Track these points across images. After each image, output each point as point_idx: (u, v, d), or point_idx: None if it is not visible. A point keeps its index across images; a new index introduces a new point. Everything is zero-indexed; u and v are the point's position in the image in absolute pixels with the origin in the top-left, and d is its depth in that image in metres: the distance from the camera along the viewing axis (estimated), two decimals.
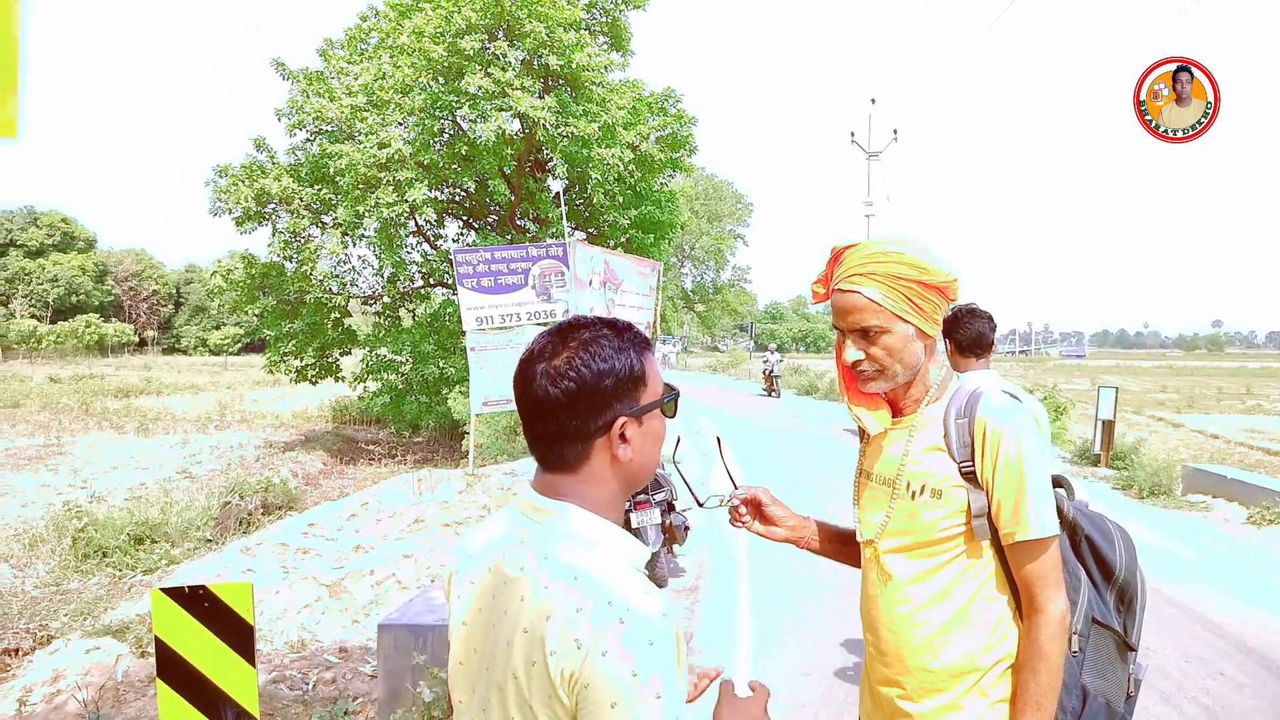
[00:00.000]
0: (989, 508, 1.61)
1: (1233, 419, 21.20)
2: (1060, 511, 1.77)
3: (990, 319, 3.44)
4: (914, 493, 1.67)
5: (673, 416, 1.26)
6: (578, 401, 1.13)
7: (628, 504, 6.13)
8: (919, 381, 1.72)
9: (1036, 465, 1.60)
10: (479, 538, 1.28)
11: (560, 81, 15.96)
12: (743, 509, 1.88)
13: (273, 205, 16.23)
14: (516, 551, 1.16)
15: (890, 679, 1.72)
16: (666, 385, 1.25)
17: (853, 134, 26.40)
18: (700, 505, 1.93)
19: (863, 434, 1.90)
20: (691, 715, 1.14)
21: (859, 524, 1.81)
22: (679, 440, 2.00)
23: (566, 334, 1.18)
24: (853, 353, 1.68)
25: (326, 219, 16.48)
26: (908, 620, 1.68)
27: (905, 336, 1.64)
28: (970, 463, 1.62)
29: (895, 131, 26.21)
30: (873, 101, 26.27)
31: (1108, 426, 12.02)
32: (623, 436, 1.16)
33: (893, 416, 1.77)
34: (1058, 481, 1.87)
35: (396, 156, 14.36)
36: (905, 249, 1.64)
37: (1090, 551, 1.78)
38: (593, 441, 1.16)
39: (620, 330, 1.20)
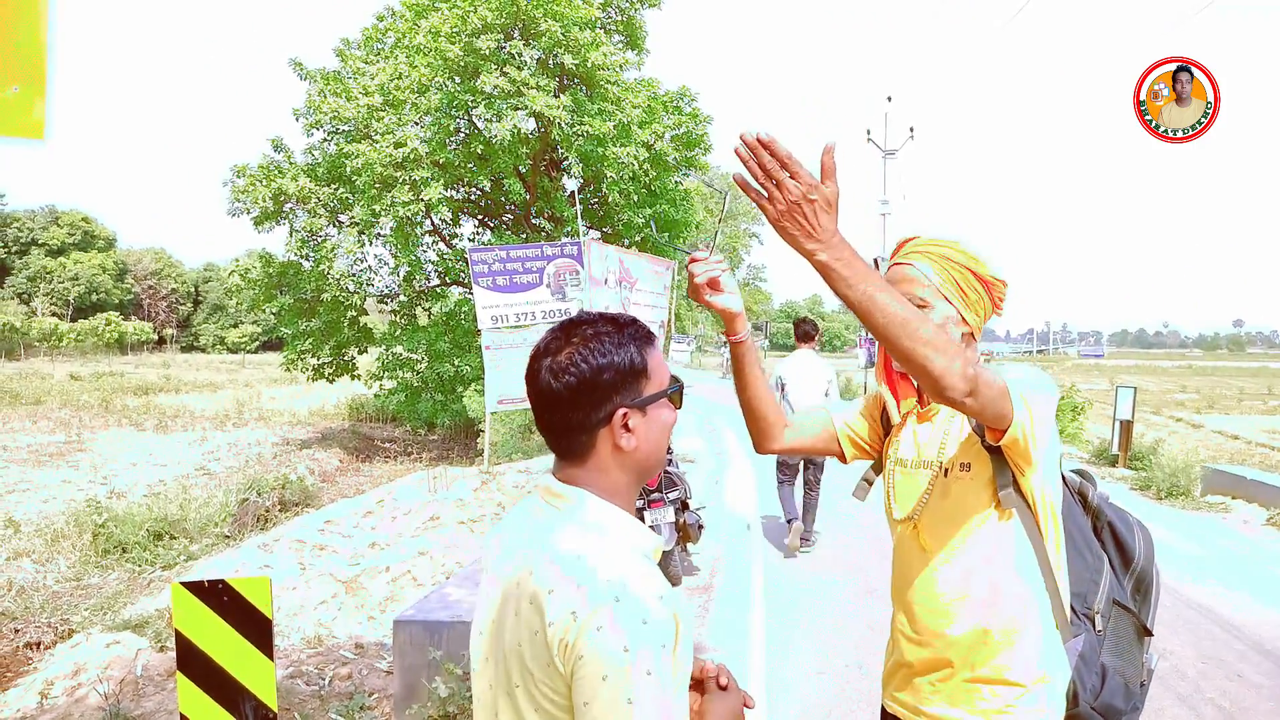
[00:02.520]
0: (1014, 480, 1.65)
1: (1254, 420, 21.00)
2: (1085, 498, 1.88)
3: (814, 322, 7.22)
4: (947, 469, 1.72)
5: (679, 407, 1.32)
6: (578, 395, 1.20)
7: (641, 502, 6.14)
8: None
9: (1026, 379, 1.59)
10: (508, 521, 1.36)
11: (575, 80, 15.98)
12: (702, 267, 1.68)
13: (290, 205, 16.34)
14: (533, 531, 1.24)
15: (924, 658, 1.75)
16: (673, 377, 1.30)
17: (869, 132, 26.32)
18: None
19: (887, 424, 1.95)
20: None
21: (891, 508, 1.84)
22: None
23: (570, 330, 1.24)
24: None
25: (343, 218, 16.58)
26: (941, 595, 1.72)
27: (945, 316, 1.72)
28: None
29: (911, 130, 26.12)
30: (889, 100, 26.20)
31: (1126, 427, 11.93)
32: (626, 427, 1.22)
33: (923, 404, 1.83)
34: (1080, 474, 1.93)
35: (413, 156, 14.42)
36: (960, 241, 1.75)
37: (1111, 538, 1.84)
38: (596, 432, 1.22)
39: (621, 325, 1.25)
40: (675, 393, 1.30)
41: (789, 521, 7.21)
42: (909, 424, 1.85)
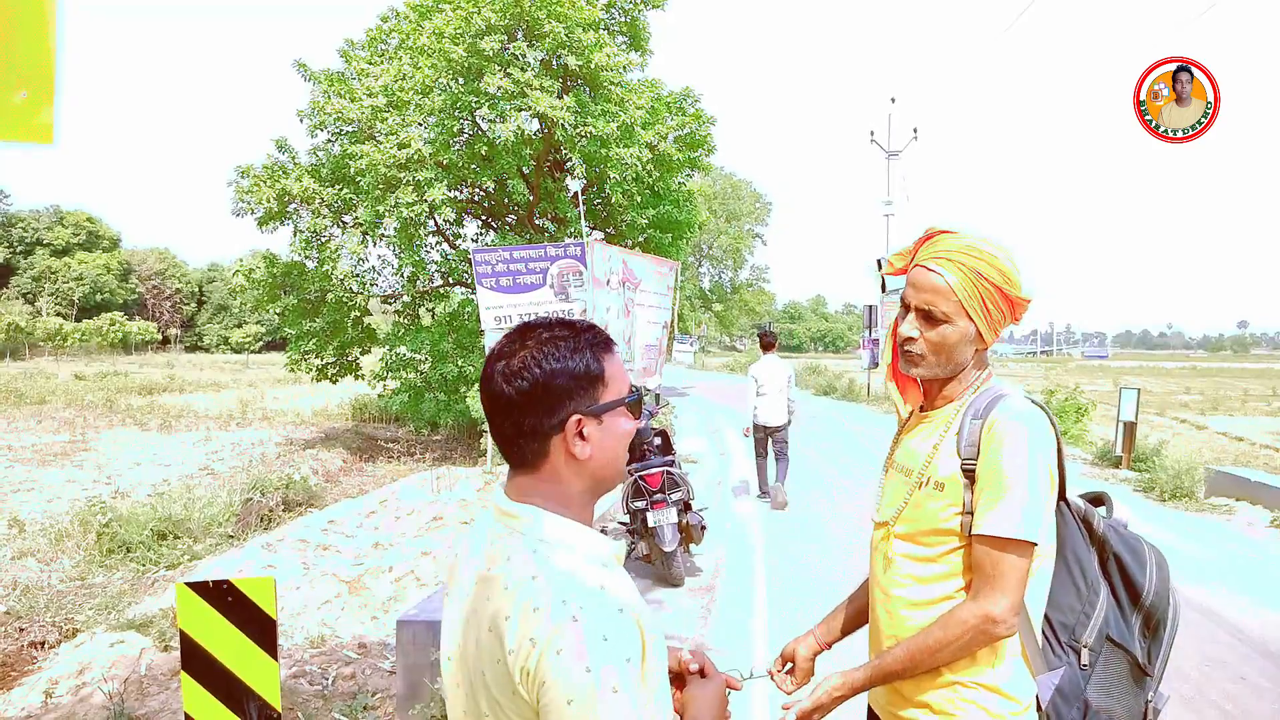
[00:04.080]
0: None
1: (1258, 421, 20.93)
2: (1089, 526, 1.76)
3: (774, 333, 9.82)
4: (921, 483, 1.71)
5: (638, 417, 1.27)
6: (531, 400, 1.15)
7: (643, 503, 6.15)
8: (958, 381, 1.75)
9: (1027, 469, 1.58)
10: (469, 539, 1.31)
11: (579, 81, 15.99)
12: (786, 678, 1.97)
13: (294, 205, 16.35)
14: (487, 553, 1.19)
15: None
16: (632, 386, 1.26)
17: (872, 133, 26.31)
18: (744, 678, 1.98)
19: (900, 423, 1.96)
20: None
21: (876, 507, 1.87)
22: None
23: (525, 334, 1.21)
24: (910, 328, 1.71)
25: (347, 219, 16.59)
26: (902, 603, 1.73)
27: (964, 333, 1.68)
28: (972, 461, 1.64)
29: (915, 130, 26.08)
30: (893, 100, 26.20)
31: (1129, 428, 11.91)
32: (581, 435, 1.18)
33: (924, 409, 1.82)
34: (1099, 499, 1.84)
35: (416, 157, 14.43)
36: (1000, 255, 1.67)
37: (1118, 569, 1.74)
38: (549, 440, 1.18)
39: (579, 330, 1.22)
40: (634, 402, 1.25)
41: (763, 492, 9.64)
42: (910, 425, 1.86)
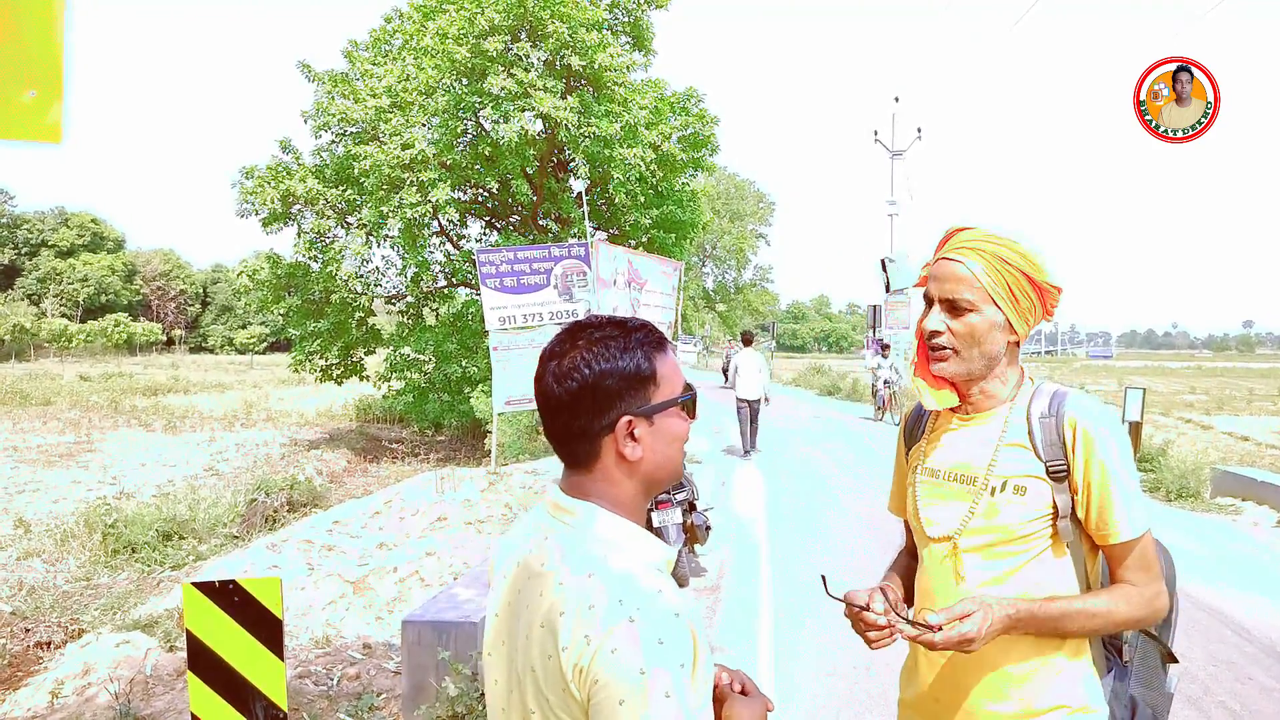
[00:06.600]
0: (1074, 509, 1.57)
1: (1264, 421, 20.83)
2: None
3: (752, 332, 14.28)
4: (993, 489, 1.61)
5: (693, 417, 1.26)
6: (581, 400, 1.15)
7: (649, 504, 6.15)
8: (996, 378, 1.66)
9: (1128, 465, 1.57)
10: (514, 532, 1.31)
11: (582, 82, 16.00)
12: (889, 619, 1.56)
13: (298, 206, 16.39)
14: (540, 548, 1.19)
15: (959, 682, 1.65)
16: (686, 385, 1.23)
17: (876, 132, 26.33)
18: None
19: (915, 429, 1.84)
20: None
21: (924, 522, 1.71)
22: None
23: (576, 333, 1.20)
24: (935, 321, 1.63)
25: (351, 219, 16.64)
26: None
27: (992, 322, 1.60)
28: (1060, 461, 1.57)
29: (919, 130, 26.08)
30: (896, 100, 26.22)
31: (1135, 428, 11.88)
32: (631, 436, 1.17)
33: (964, 410, 1.71)
34: None
35: (420, 157, 14.46)
36: (1020, 240, 1.63)
37: None
38: (600, 440, 1.17)
39: (630, 330, 1.20)
40: (687, 402, 1.23)
41: (745, 450, 12.83)
42: (944, 427, 1.73)
